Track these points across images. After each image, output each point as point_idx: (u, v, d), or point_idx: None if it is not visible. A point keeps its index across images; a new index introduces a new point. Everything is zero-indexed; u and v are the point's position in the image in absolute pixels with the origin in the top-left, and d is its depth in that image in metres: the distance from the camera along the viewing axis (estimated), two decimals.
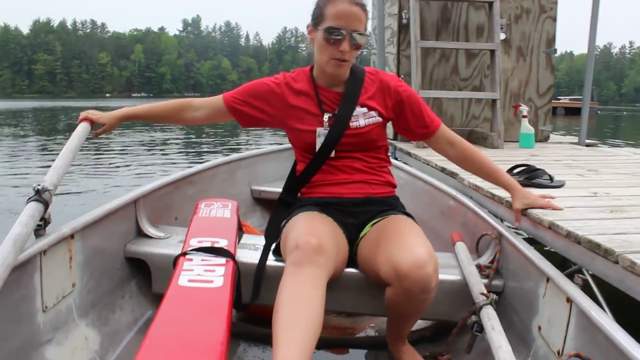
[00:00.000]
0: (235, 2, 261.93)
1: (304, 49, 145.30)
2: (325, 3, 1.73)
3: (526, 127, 4.42)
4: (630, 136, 17.28)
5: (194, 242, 1.80)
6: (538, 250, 1.86)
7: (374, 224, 1.82)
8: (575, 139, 5.24)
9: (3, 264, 1.32)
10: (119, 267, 2.08)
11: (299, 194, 1.98)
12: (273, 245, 1.91)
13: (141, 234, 2.21)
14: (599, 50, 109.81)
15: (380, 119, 1.90)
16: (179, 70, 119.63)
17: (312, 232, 1.58)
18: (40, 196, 1.58)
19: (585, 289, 1.62)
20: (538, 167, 2.79)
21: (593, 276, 1.84)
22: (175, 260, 1.72)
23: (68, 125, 18.53)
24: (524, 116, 4.40)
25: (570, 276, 1.73)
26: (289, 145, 3.97)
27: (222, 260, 1.68)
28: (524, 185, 2.63)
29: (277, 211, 1.97)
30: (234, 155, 3.49)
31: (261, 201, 3.49)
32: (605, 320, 1.36)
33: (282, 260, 1.67)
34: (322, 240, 1.56)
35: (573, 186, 2.69)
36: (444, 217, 2.60)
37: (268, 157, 3.68)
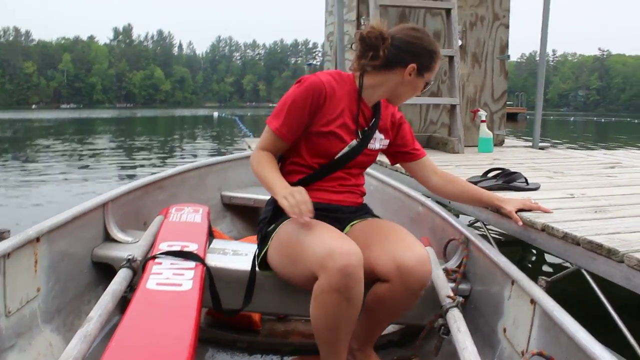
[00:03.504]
0: (167, 11, 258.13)
1: (238, 57, 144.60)
2: (436, 59, 1.81)
3: (485, 131, 4.50)
4: (556, 138, 18.09)
5: (164, 246, 1.79)
6: (504, 254, 1.89)
7: (352, 225, 1.84)
8: (526, 143, 5.40)
9: None
10: (86, 272, 2.04)
11: None
12: (256, 251, 1.86)
13: (109, 239, 2.17)
14: (525, 58, 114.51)
15: (387, 145, 1.97)
16: (110, 80, 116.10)
17: (343, 244, 1.53)
18: None
19: (549, 291, 1.65)
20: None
21: (593, 276, 1.86)
22: (144, 264, 1.71)
23: None
24: (483, 121, 4.49)
25: (536, 279, 1.76)
26: None
27: (192, 264, 1.68)
28: (502, 188, 2.68)
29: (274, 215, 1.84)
30: (205, 161, 3.46)
31: (231, 207, 3.46)
32: (567, 320, 1.39)
33: (268, 270, 1.76)
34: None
35: (548, 188, 2.75)
36: (413, 222, 2.61)
37: (239, 163, 3.63)
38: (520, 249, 3.99)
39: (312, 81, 1.75)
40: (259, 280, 1.82)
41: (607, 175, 3.20)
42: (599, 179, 3.08)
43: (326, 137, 1.79)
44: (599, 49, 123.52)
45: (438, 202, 2.54)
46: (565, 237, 1.91)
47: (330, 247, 1.49)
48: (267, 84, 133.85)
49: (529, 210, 2.13)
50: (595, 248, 1.78)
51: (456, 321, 1.58)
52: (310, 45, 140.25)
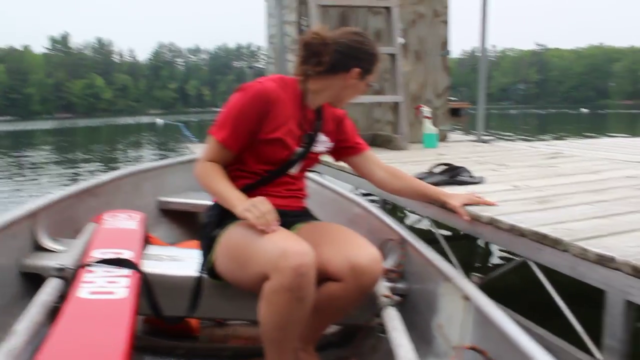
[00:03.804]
0: (105, 18, 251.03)
1: (181, 63, 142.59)
2: (377, 61, 1.82)
3: (429, 127, 4.54)
4: (499, 130, 18.60)
5: (97, 254, 1.74)
6: (439, 252, 1.94)
7: (297, 228, 1.83)
8: (470, 137, 5.48)
9: None
10: (13, 283, 1.91)
11: None
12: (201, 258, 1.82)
13: (39, 248, 2.05)
14: (466, 54, 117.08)
15: (331, 147, 1.97)
16: (48, 90, 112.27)
17: (296, 244, 1.52)
18: None
19: (482, 287, 1.69)
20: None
21: (541, 267, 1.87)
22: (75, 273, 1.65)
23: None
24: (426, 117, 4.52)
25: (468, 275, 1.83)
26: (196, 156, 3.56)
27: (126, 271, 1.64)
28: (448, 183, 2.69)
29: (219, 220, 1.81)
30: (140, 166, 3.37)
31: (168, 212, 3.37)
32: (498, 315, 1.44)
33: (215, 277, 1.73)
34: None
35: (492, 181, 2.78)
36: (351, 224, 2.54)
37: (175, 168, 3.57)
38: (467, 243, 4.03)
39: (258, 89, 1.72)
40: (202, 286, 1.78)
41: (549, 166, 3.26)
42: (541, 169, 3.14)
43: (272, 145, 1.77)
44: (537, 44, 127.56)
45: (373, 202, 2.56)
46: (512, 230, 1.92)
47: (283, 247, 1.49)
48: (211, 88, 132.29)
49: (475, 204, 2.14)
50: (541, 239, 1.79)
51: (392, 320, 1.61)
52: (254, 49, 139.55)
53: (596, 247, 1.62)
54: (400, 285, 2.02)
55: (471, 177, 2.75)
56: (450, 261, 2.04)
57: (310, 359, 1.84)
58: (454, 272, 1.77)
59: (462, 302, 1.65)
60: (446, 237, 2.72)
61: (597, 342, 1.68)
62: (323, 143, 1.91)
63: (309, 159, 1.87)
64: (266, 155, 1.79)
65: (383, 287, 1.82)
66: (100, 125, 41.83)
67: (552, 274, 1.83)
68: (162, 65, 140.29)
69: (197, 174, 1.77)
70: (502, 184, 2.69)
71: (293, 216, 1.86)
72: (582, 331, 1.73)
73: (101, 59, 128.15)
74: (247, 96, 1.71)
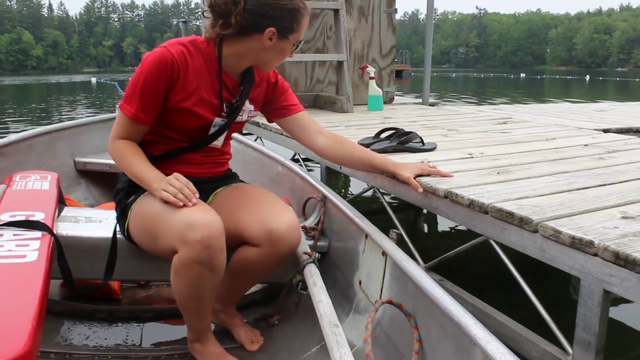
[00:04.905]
0: None
1: (116, 19, 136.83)
2: (299, 17, 1.60)
3: (374, 89, 4.28)
4: (440, 93, 18.68)
5: (5, 217, 1.65)
6: (359, 210, 1.94)
7: (216, 193, 1.80)
8: (415, 100, 5.27)
9: None
10: None
11: None
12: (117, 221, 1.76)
13: None
14: (407, 16, 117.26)
15: (257, 114, 1.86)
16: None
17: (202, 215, 1.46)
18: None
19: (400, 243, 1.68)
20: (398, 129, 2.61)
21: (501, 246, 1.66)
22: None
23: None
24: (372, 78, 4.25)
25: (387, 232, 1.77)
26: (114, 114, 3.65)
27: (38, 234, 1.56)
28: (397, 150, 2.45)
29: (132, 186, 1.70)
30: (55, 125, 3.26)
31: (86, 173, 3.31)
32: (414, 269, 1.46)
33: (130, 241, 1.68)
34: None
35: (445, 148, 2.55)
36: (274, 182, 2.66)
37: (93, 127, 3.48)
38: (415, 214, 3.84)
39: (159, 55, 1.54)
40: (118, 248, 1.73)
41: (501, 132, 3.07)
42: (494, 135, 2.94)
43: (182, 114, 1.62)
44: (477, 7, 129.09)
45: (296, 162, 2.57)
46: (471, 205, 1.69)
47: (189, 219, 1.43)
48: (149, 46, 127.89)
49: (428, 175, 1.93)
50: (506, 217, 1.57)
51: (312, 276, 1.62)
52: (193, 6, 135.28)
53: (570, 227, 1.41)
54: (321, 243, 2.06)
55: (422, 143, 2.52)
56: (401, 234, 1.85)
57: (231, 320, 1.85)
58: (373, 229, 1.77)
59: (381, 258, 1.68)
60: (394, 208, 2.49)
61: (568, 333, 1.48)
62: (248, 112, 1.77)
63: (232, 129, 1.76)
64: (177, 125, 1.64)
65: (305, 245, 1.82)
66: (30, 83, 39.57)
67: (515, 253, 1.62)
68: (95, 21, 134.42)
69: (111, 154, 1.63)
70: (455, 151, 2.47)
71: (214, 182, 1.81)
72: (551, 321, 1.53)
73: (28, 12, 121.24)
74: (150, 64, 1.54)
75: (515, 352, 1.16)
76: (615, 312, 2.25)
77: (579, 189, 1.79)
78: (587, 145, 2.64)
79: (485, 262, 2.34)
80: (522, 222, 1.51)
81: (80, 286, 1.78)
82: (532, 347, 1.57)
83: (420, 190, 1.85)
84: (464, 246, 1.86)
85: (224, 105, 1.67)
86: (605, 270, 1.30)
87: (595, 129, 3.20)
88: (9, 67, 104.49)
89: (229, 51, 1.62)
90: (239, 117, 1.73)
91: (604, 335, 1.39)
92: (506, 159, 2.27)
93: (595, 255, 1.32)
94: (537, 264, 1.53)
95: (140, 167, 1.59)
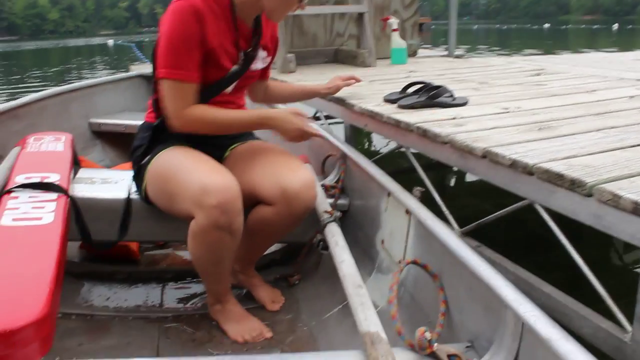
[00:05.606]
0: None
1: None
2: None
3: (397, 41, 4.04)
4: (465, 45, 18.13)
5: (20, 179, 1.62)
6: (381, 168, 1.88)
7: (232, 148, 1.78)
8: (440, 52, 5.03)
9: None
10: None
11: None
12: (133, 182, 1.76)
13: None
14: None
15: (269, 61, 1.84)
16: None
17: (218, 178, 1.44)
18: None
19: (424, 200, 1.61)
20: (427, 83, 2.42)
21: (550, 211, 1.49)
22: None
23: None
24: (395, 30, 4.02)
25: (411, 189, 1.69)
26: (128, 74, 3.83)
27: (54, 195, 1.53)
28: (426, 106, 2.27)
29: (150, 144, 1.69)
30: (68, 86, 3.20)
31: (101, 134, 3.27)
32: (439, 228, 1.41)
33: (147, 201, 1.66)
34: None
35: (477, 102, 2.36)
36: None
37: (106, 87, 3.44)
38: (446, 173, 3.65)
39: (187, 6, 1.47)
40: (135, 209, 1.72)
41: (536, 84, 2.85)
42: (528, 88, 2.73)
43: (205, 66, 1.57)
44: None
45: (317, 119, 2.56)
46: (514, 165, 1.52)
47: (204, 183, 1.40)
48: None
49: (347, 85, 2.22)
50: (554, 178, 1.40)
51: (334, 235, 1.58)
52: None
53: (631, 191, 1.24)
54: (341, 201, 2.01)
55: (453, 98, 2.33)
56: (425, 192, 1.72)
57: (250, 280, 1.84)
58: (396, 186, 1.72)
59: (405, 216, 1.62)
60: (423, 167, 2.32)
61: (626, 309, 1.32)
62: (262, 59, 1.76)
63: (247, 78, 1.72)
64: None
65: (325, 203, 1.78)
66: (48, 47, 39.50)
67: (562, 218, 1.45)
68: None
69: (189, 128, 1.57)
70: (489, 105, 2.28)
71: (231, 138, 1.79)
72: (606, 295, 1.37)
73: None
74: (180, 18, 1.48)
75: (566, 328, 1.02)
76: None
77: (632, 146, 1.61)
78: (632, 97, 2.42)
79: (528, 228, 2.17)
80: (574, 185, 1.34)
81: (99, 246, 1.79)
82: (584, 322, 1.42)
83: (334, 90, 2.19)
84: (504, 210, 1.70)
85: (241, 53, 1.64)
86: None
87: (638, 79, 2.96)
88: (27, 32, 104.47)
89: None
90: (253, 65, 1.71)
91: None
92: (546, 114, 2.08)
93: None
94: (587, 230, 1.37)
95: (240, 114, 1.64)
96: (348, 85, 2.26)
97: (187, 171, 1.48)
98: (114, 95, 3.44)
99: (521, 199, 1.57)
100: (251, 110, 1.69)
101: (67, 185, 1.63)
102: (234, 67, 1.64)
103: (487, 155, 1.62)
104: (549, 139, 1.71)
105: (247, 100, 1.90)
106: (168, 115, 1.56)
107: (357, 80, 2.30)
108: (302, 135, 1.64)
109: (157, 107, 1.66)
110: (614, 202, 1.24)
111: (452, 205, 1.98)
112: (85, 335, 1.65)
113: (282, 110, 1.65)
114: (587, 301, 1.45)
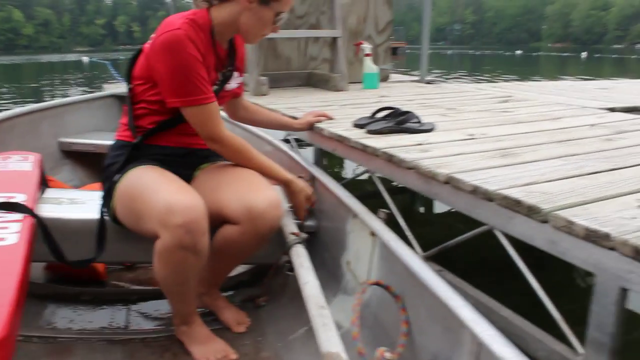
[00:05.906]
0: None
1: None
2: None
3: (369, 66, 4.12)
4: (438, 70, 18.40)
5: None
6: (350, 191, 1.91)
7: (202, 168, 1.80)
8: (412, 77, 5.12)
9: None
10: None
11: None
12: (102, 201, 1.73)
13: None
14: None
15: (242, 80, 1.91)
16: None
17: (183, 198, 1.44)
18: None
19: (390, 224, 1.62)
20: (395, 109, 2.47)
21: (510, 237, 1.53)
22: None
23: None
24: (367, 54, 4.09)
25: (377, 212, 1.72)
26: (100, 93, 3.81)
27: (19, 216, 1.50)
28: (394, 131, 2.31)
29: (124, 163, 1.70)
30: (38, 105, 3.16)
31: (71, 154, 3.23)
32: (403, 250, 1.44)
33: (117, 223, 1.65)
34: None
35: (444, 128, 2.42)
36: None
37: (78, 107, 3.41)
38: (411, 198, 3.70)
39: (179, 35, 1.52)
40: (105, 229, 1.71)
41: (502, 111, 2.93)
42: (495, 115, 2.80)
43: None
44: None
45: (286, 142, 2.61)
46: (475, 192, 1.57)
47: (168, 203, 1.41)
48: (141, 24, 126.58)
49: (318, 121, 2.39)
50: (512, 205, 1.45)
51: (299, 257, 1.58)
52: None
53: (584, 218, 1.28)
54: (310, 223, 2.02)
55: (420, 123, 2.38)
56: (390, 214, 1.79)
57: (215, 302, 1.84)
58: (362, 208, 1.74)
59: (370, 238, 1.64)
60: (389, 191, 2.36)
61: (579, 332, 1.36)
62: (235, 79, 1.84)
63: (220, 97, 1.76)
64: None
65: (292, 225, 1.77)
66: (21, 62, 39.02)
67: (520, 244, 1.50)
68: None
69: (231, 148, 1.69)
70: (455, 132, 2.33)
71: (201, 156, 1.80)
72: (560, 318, 1.41)
73: None
74: (179, 47, 1.52)
75: (522, 350, 1.05)
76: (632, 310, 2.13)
77: (590, 174, 1.67)
78: (593, 125, 2.50)
79: (488, 253, 2.22)
80: (531, 211, 1.39)
81: (74, 264, 1.73)
82: (539, 345, 1.46)
83: (313, 118, 2.41)
84: (465, 235, 1.74)
85: (220, 74, 1.72)
86: (624, 266, 1.19)
87: (600, 108, 3.06)
88: (0, 47, 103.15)
89: (217, 17, 1.63)
90: (227, 85, 1.78)
91: (620, 336, 1.27)
92: (510, 141, 2.14)
93: (613, 249, 1.20)
94: (544, 255, 1.41)
95: (270, 163, 1.77)
96: (319, 122, 2.46)
97: (153, 190, 1.48)
98: (85, 115, 3.41)
99: (483, 224, 1.61)
100: (278, 166, 1.81)
101: (34, 205, 1.61)
102: (214, 88, 1.68)
103: (449, 182, 1.66)
104: (512, 166, 1.77)
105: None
106: (204, 139, 1.65)
107: (329, 118, 2.50)
108: (308, 199, 1.84)
109: (133, 126, 1.68)
110: (568, 228, 1.29)
111: (417, 230, 2.02)
112: (46, 358, 1.62)
113: (300, 180, 1.84)
114: (543, 325, 1.49)
